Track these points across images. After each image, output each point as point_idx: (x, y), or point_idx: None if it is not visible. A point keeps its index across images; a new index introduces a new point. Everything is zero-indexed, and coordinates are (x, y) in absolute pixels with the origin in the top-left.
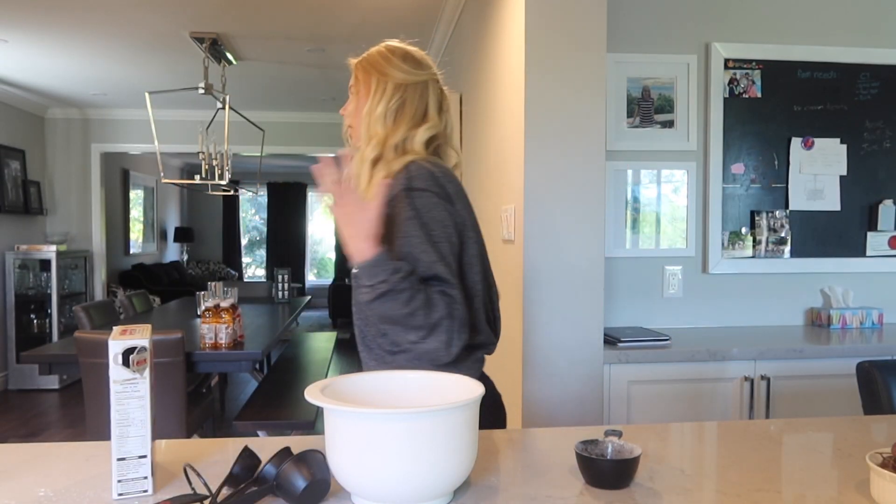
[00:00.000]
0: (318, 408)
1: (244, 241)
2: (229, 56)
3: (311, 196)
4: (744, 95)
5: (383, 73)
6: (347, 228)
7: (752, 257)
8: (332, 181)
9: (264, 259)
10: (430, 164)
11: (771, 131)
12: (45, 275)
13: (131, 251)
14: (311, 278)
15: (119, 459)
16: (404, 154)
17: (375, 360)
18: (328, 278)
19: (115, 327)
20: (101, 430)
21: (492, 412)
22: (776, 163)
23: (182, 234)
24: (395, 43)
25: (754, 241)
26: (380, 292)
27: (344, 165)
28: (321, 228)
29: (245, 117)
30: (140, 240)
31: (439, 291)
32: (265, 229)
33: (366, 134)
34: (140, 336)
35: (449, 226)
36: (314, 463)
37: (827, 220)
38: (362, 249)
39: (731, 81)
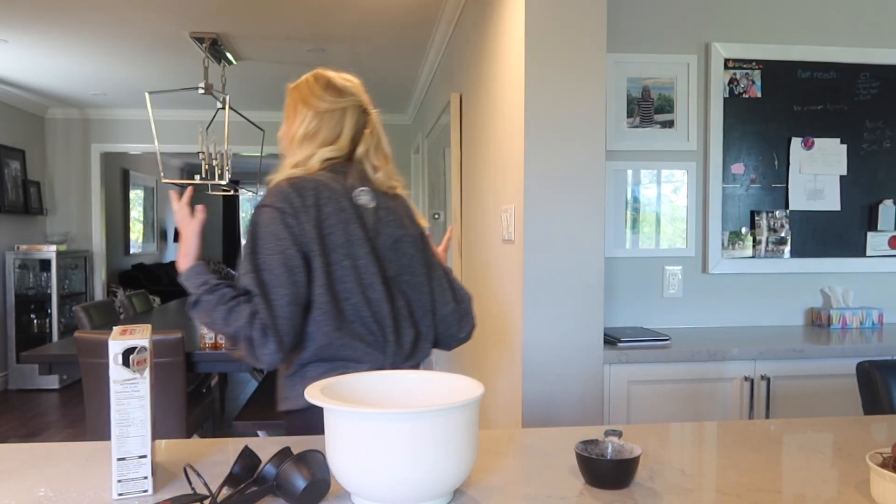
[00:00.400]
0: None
1: (244, 241)
2: (229, 56)
3: None
4: (744, 95)
5: (305, 102)
6: (180, 247)
7: (752, 257)
8: (177, 209)
9: None
10: (290, 181)
11: (771, 131)
12: (45, 275)
13: (131, 251)
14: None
15: (119, 459)
16: (294, 170)
17: None
18: None
19: (115, 327)
20: (101, 430)
21: None
22: (776, 163)
23: None
24: (323, 71)
25: (754, 241)
26: (191, 302)
27: (187, 197)
28: None
29: (245, 117)
30: (140, 240)
31: (247, 302)
32: None
33: (289, 155)
34: (140, 336)
35: (284, 239)
36: (314, 463)
37: (827, 220)
38: (182, 264)
39: (731, 81)
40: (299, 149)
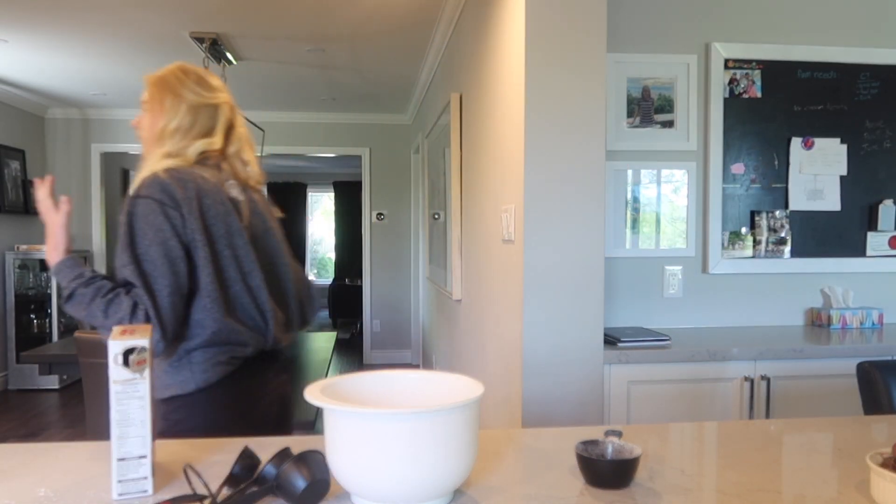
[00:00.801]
0: (317, 408)
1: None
2: (229, 56)
3: (311, 196)
4: (744, 95)
5: (177, 95)
6: (47, 240)
7: (752, 257)
8: (41, 199)
9: None
10: (168, 173)
11: (771, 131)
12: (45, 275)
13: None
14: (311, 278)
15: (119, 459)
16: (168, 161)
17: None
18: (328, 278)
19: (115, 327)
20: (101, 430)
21: (236, 416)
22: (776, 163)
23: None
24: (188, 65)
25: (754, 241)
26: (66, 295)
27: (48, 186)
28: (321, 228)
29: (245, 117)
30: None
31: (127, 293)
32: None
33: (157, 147)
34: (140, 336)
35: (164, 230)
36: (314, 463)
37: (827, 220)
38: (51, 258)
39: (731, 81)
40: (170, 140)
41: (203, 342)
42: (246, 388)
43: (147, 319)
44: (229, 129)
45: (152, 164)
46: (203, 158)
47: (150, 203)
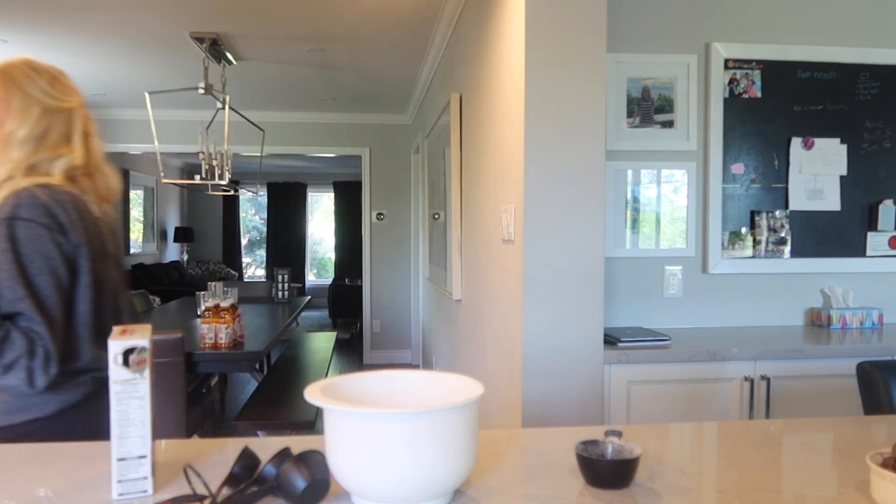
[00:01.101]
0: (318, 408)
1: (244, 241)
2: (229, 56)
3: (311, 196)
4: (744, 95)
5: (29, 95)
6: None
7: (752, 257)
8: None
9: (264, 259)
10: (45, 193)
11: (771, 131)
12: None
13: (131, 251)
14: (311, 278)
15: (119, 459)
16: (36, 177)
17: None
18: (328, 278)
19: (114, 327)
20: None
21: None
22: (776, 163)
23: (182, 234)
24: (36, 60)
25: (754, 241)
26: None
27: None
28: (321, 228)
29: (245, 117)
30: (140, 240)
31: (22, 329)
32: (265, 229)
33: (1, 153)
34: (140, 336)
35: (54, 258)
36: (314, 463)
37: (827, 220)
38: None
39: (731, 81)
40: (20, 148)
41: (72, 369)
42: (105, 406)
43: (47, 356)
44: (86, 139)
45: (14, 180)
46: (74, 176)
47: (34, 227)
